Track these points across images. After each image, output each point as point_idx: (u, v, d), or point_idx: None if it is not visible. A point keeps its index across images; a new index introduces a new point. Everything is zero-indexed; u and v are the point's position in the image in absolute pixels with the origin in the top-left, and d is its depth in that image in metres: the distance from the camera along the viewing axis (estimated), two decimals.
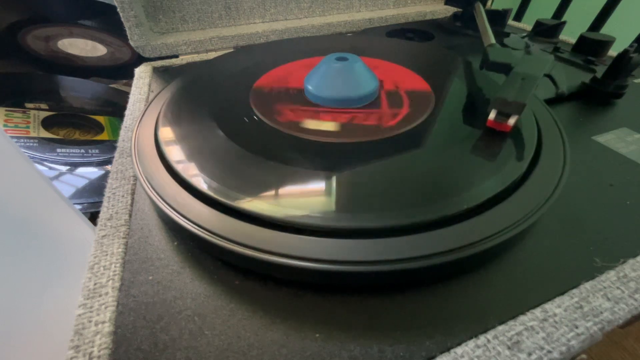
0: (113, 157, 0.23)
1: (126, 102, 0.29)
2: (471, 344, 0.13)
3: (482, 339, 0.13)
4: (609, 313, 0.14)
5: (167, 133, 0.21)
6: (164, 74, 0.35)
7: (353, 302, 0.14)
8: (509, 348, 0.13)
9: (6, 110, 0.61)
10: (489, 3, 0.54)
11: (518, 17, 0.62)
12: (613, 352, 0.26)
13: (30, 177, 0.39)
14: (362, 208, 0.16)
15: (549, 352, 0.13)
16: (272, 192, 0.17)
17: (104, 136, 0.69)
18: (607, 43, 0.33)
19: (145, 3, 0.36)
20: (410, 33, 0.44)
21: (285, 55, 0.32)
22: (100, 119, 0.70)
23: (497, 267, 0.16)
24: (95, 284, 0.15)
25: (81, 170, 0.64)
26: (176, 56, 0.39)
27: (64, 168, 0.62)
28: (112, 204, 0.19)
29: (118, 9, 0.33)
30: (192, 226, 0.15)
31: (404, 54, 0.33)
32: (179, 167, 0.18)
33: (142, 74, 0.34)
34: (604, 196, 0.20)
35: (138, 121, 0.23)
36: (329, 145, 0.20)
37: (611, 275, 0.15)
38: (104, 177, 0.52)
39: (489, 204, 0.16)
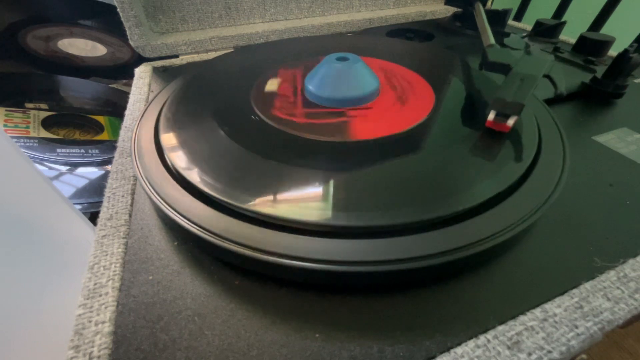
0: (113, 157, 0.23)
1: (126, 102, 0.29)
2: (471, 344, 0.13)
3: (482, 339, 0.13)
4: (609, 313, 0.14)
5: (167, 133, 0.21)
6: (164, 74, 0.35)
7: (353, 302, 0.14)
8: (509, 348, 0.13)
9: (6, 110, 0.61)
10: (489, 3, 0.54)
11: (518, 17, 0.62)
12: (613, 352, 0.26)
13: (30, 177, 0.39)
14: (362, 208, 0.16)
15: (549, 352, 0.13)
16: (272, 192, 0.17)
17: (104, 136, 0.69)
18: (607, 43, 0.33)
19: (145, 3, 0.36)
20: (411, 33, 0.44)
21: (286, 55, 0.32)
22: (100, 119, 0.70)
23: (497, 267, 0.16)
24: (95, 284, 0.15)
25: (81, 170, 0.64)
26: (176, 56, 0.39)
27: (64, 168, 0.62)
28: (112, 204, 0.19)
29: (118, 9, 0.33)
30: (192, 226, 0.15)
31: (404, 54, 0.33)
32: (178, 167, 0.18)
33: (142, 74, 0.34)
34: (604, 196, 0.20)
35: (138, 121, 0.23)
36: (328, 144, 0.20)
37: (611, 275, 0.15)
38: (104, 177, 0.52)
39: (489, 204, 0.16)
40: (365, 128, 0.22)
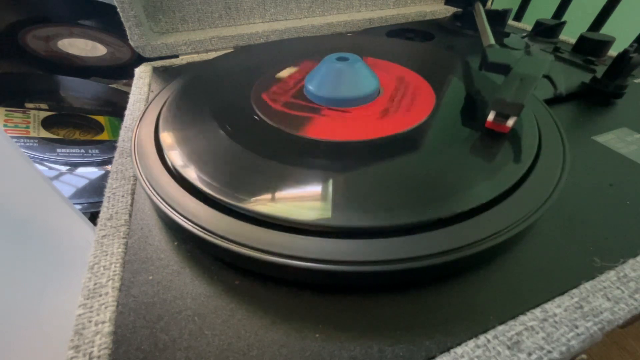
0: (113, 157, 0.23)
1: (126, 102, 0.29)
2: (471, 344, 0.13)
3: (482, 339, 0.13)
4: (609, 313, 0.14)
5: (167, 133, 0.21)
6: (164, 74, 0.35)
7: (353, 302, 0.14)
8: (509, 348, 0.13)
9: (6, 110, 0.61)
10: (489, 3, 0.54)
11: (518, 17, 0.62)
12: (613, 352, 0.26)
13: (30, 177, 0.39)
14: (362, 208, 0.16)
15: (549, 352, 0.13)
16: (272, 192, 0.17)
17: (104, 136, 0.69)
18: (607, 43, 0.33)
19: (145, 3, 0.36)
20: (411, 33, 0.44)
21: (286, 55, 0.32)
22: (100, 119, 0.70)
23: (497, 267, 0.16)
24: (95, 284, 0.15)
25: (81, 170, 0.64)
26: (176, 56, 0.39)
27: (64, 168, 0.62)
28: (112, 204, 0.19)
29: (118, 9, 0.33)
30: (192, 226, 0.15)
31: (404, 54, 0.33)
32: (178, 167, 0.18)
33: (142, 74, 0.34)
34: (604, 196, 0.20)
35: (138, 121, 0.23)
36: (328, 145, 0.20)
37: (611, 275, 0.15)
38: (104, 177, 0.52)
39: (489, 204, 0.16)
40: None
